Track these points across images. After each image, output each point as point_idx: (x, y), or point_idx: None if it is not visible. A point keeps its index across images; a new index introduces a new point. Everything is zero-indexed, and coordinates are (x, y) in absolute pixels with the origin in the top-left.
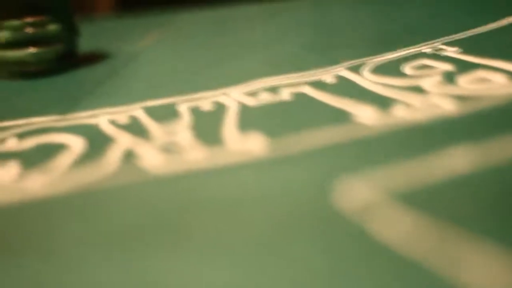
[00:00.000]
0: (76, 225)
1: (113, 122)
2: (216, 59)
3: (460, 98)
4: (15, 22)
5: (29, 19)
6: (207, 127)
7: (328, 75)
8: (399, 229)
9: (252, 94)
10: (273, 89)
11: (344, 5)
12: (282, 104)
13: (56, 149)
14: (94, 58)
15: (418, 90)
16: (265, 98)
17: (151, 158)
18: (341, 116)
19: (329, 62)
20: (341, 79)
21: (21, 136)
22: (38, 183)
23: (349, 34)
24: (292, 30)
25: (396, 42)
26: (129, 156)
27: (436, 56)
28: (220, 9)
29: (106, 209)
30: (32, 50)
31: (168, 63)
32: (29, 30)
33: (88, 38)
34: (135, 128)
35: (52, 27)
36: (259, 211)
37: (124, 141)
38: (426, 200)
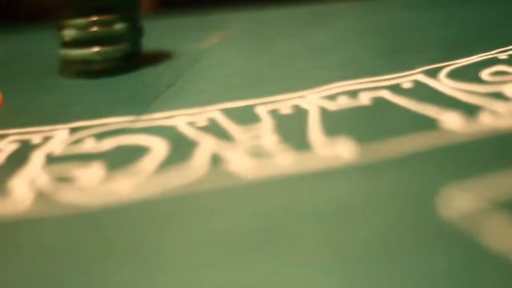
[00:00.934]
0: (171, 231)
1: (192, 124)
2: (283, 62)
3: None
4: (80, 21)
5: (95, 18)
6: (291, 131)
7: (404, 80)
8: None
9: (331, 98)
10: (352, 93)
11: (407, 8)
12: (363, 109)
13: (138, 151)
14: (157, 58)
15: (501, 96)
16: (345, 102)
17: (239, 163)
18: (426, 122)
19: (401, 66)
20: (418, 84)
21: (99, 137)
22: (125, 186)
23: (417, 37)
24: (358, 33)
25: (468, 46)
26: (216, 160)
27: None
28: (270, 10)
29: (200, 214)
30: (97, 49)
31: (235, 64)
32: (95, 28)
33: (148, 38)
34: (216, 131)
35: (119, 26)
36: (358, 219)
37: (208, 144)
38: None
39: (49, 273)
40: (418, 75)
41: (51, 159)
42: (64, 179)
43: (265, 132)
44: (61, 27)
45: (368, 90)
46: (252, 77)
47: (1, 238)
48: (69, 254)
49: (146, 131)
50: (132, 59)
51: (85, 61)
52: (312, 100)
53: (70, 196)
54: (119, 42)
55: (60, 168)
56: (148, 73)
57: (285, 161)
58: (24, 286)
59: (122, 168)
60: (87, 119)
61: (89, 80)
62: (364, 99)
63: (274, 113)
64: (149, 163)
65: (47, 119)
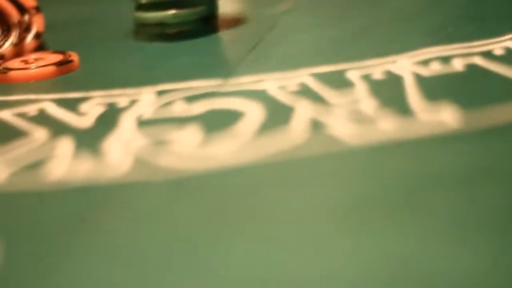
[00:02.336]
0: (277, 198)
1: (283, 88)
2: (367, 28)
3: None
4: None
5: None
6: (388, 96)
7: (495, 46)
8: None
9: (424, 63)
10: (444, 59)
11: None
12: (458, 75)
13: (232, 115)
14: (233, 21)
15: None
16: (438, 68)
17: (341, 128)
18: None
19: (489, 33)
20: (510, 50)
21: (189, 100)
22: (224, 151)
23: (504, 4)
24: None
25: None
26: (316, 125)
27: None
28: None
29: (305, 181)
30: (174, 11)
31: (315, 29)
32: None
33: (223, 1)
34: (310, 95)
35: None
36: (478, 186)
37: (304, 109)
38: None
39: (155, 239)
40: (509, 42)
41: (142, 122)
42: (159, 143)
43: (362, 97)
44: None
45: (460, 56)
46: (337, 42)
47: (101, 202)
48: (174, 221)
49: (236, 95)
50: (209, 22)
51: (161, 24)
52: (404, 66)
53: (167, 160)
54: (196, 4)
55: (154, 132)
56: (225, 37)
57: (388, 126)
58: (128, 252)
59: (218, 132)
60: (172, 82)
61: (165, 43)
62: (458, 65)
63: (366, 78)
64: (245, 127)
65: (129, 81)
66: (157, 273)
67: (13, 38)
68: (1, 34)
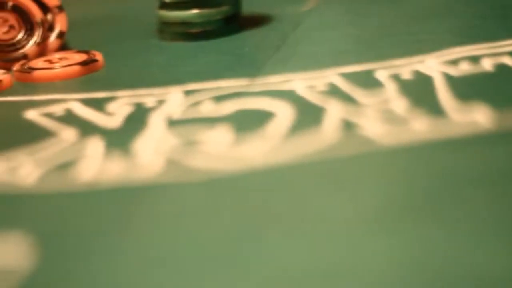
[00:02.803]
0: (313, 198)
1: (312, 88)
2: (391, 27)
3: None
4: None
5: None
6: (419, 96)
7: None
8: None
9: (452, 63)
10: (473, 59)
11: None
12: (487, 75)
13: (262, 115)
14: (256, 21)
15: None
16: (467, 68)
17: (373, 128)
18: None
19: None
20: None
21: (218, 99)
22: (256, 151)
23: None
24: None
25: None
26: (347, 125)
27: None
28: None
29: (340, 181)
30: (197, 10)
31: (340, 28)
32: None
33: (246, 0)
34: (339, 95)
35: None
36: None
37: (335, 109)
38: None
39: (192, 239)
40: None
41: (172, 122)
42: (191, 143)
43: (392, 97)
44: None
45: (489, 56)
46: (363, 41)
47: (134, 203)
48: (210, 221)
49: (265, 95)
50: (232, 21)
51: (184, 23)
52: (433, 65)
53: (199, 161)
54: (219, 4)
55: (185, 132)
56: (249, 36)
57: (421, 126)
58: (165, 253)
59: (249, 132)
60: (199, 82)
61: (188, 43)
62: (487, 65)
63: (395, 78)
64: (276, 128)
65: (155, 81)
66: (195, 273)
67: (36, 37)
68: (25, 33)
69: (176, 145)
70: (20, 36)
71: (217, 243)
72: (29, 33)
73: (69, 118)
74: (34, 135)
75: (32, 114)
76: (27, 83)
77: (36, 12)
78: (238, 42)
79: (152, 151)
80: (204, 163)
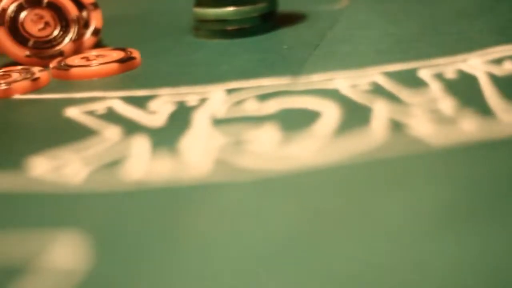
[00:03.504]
0: (372, 199)
1: (355, 87)
2: (432, 25)
3: None
4: None
5: None
6: (465, 96)
7: None
8: None
9: (496, 62)
10: None
11: None
12: None
13: (307, 114)
14: (292, 18)
15: None
16: (511, 67)
17: (422, 128)
18: None
19: None
20: None
21: (261, 98)
22: (304, 151)
23: None
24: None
25: None
26: (396, 125)
27: None
28: None
29: (394, 181)
30: (234, 8)
31: (379, 26)
32: None
33: None
34: (384, 95)
35: None
36: None
37: (381, 108)
38: None
39: (247, 239)
40: None
41: (217, 121)
42: (238, 142)
43: (438, 97)
44: None
45: None
46: (401, 40)
47: (185, 203)
48: (263, 221)
49: (309, 94)
50: (268, 19)
51: (221, 20)
52: (476, 65)
53: (248, 160)
54: (256, 1)
55: (231, 131)
56: (286, 34)
57: (470, 126)
58: (220, 252)
59: (296, 131)
60: (240, 80)
61: (225, 40)
62: None
63: (439, 77)
64: (324, 127)
65: (195, 79)
66: (251, 274)
67: (71, 34)
68: (60, 30)
69: (223, 144)
70: (55, 33)
71: (272, 243)
72: (65, 30)
73: (111, 116)
74: (77, 133)
75: (73, 112)
76: (64, 80)
77: (71, 9)
78: (276, 40)
79: (200, 150)
80: (253, 163)
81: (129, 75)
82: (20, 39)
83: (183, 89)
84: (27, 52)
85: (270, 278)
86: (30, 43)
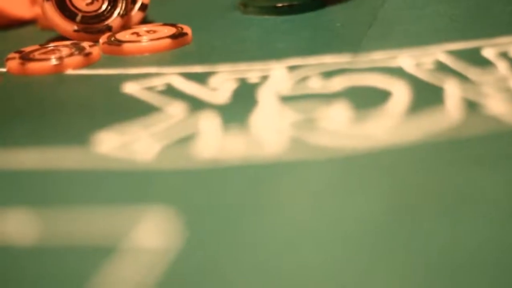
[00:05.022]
0: (453, 176)
1: (420, 66)
2: (481, 5)
3: None
4: None
5: None
6: None
7: None
8: None
9: None
10: None
11: None
12: None
13: (376, 92)
14: None
15: None
16: None
17: (497, 107)
18: None
19: None
20: None
21: (325, 76)
22: (378, 130)
23: None
24: None
25: None
26: (470, 104)
27: None
28: None
29: (475, 160)
30: None
31: (430, 5)
32: None
33: None
34: (451, 73)
35: None
36: None
37: (452, 86)
38: None
39: (331, 218)
40: None
41: (284, 99)
42: (310, 120)
43: (508, 75)
44: None
45: None
46: (458, 19)
47: (263, 181)
48: (349, 200)
49: (373, 71)
50: None
51: None
52: None
53: (322, 138)
54: None
55: (300, 108)
56: (335, 12)
57: None
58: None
59: (368, 109)
60: (298, 57)
61: (275, 17)
62: None
63: (504, 56)
64: (396, 105)
65: (251, 56)
66: (337, 253)
67: (119, 9)
68: (108, 5)
69: (295, 122)
70: (103, 7)
71: (360, 222)
72: (113, 4)
73: (172, 93)
74: (140, 109)
75: (132, 88)
76: (115, 56)
77: None
78: (326, 17)
79: (272, 128)
80: (329, 141)
81: (181, 51)
82: (68, 13)
83: (241, 66)
84: (75, 27)
85: (354, 257)
86: (78, 18)
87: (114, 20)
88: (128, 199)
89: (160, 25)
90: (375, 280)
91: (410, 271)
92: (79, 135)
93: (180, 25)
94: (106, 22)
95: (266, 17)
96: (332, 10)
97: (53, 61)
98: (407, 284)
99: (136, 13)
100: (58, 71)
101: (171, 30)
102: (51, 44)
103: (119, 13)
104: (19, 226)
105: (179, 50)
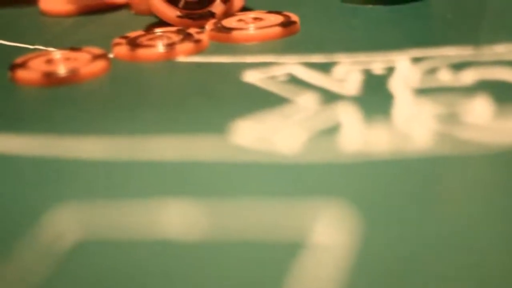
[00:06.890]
0: None
1: None
2: None
3: None
4: None
5: None
6: None
7: None
8: None
9: None
10: None
11: None
12: None
13: (509, 86)
14: None
15: None
16: None
17: None
18: None
19: None
20: None
21: (453, 68)
22: None
23: None
24: None
25: None
26: None
27: None
28: None
29: None
30: None
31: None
32: None
33: None
34: None
35: None
36: None
37: None
38: None
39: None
40: None
41: (418, 91)
42: (452, 114)
43: None
44: None
45: None
46: None
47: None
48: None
49: (502, 65)
50: None
51: None
52: None
53: (471, 133)
54: None
55: (439, 101)
56: (441, 2)
57: None
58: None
59: (505, 104)
60: (418, 49)
61: (377, 7)
62: None
63: None
64: None
65: (368, 46)
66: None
67: None
68: None
69: (438, 115)
70: None
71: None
72: None
73: (297, 83)
74: (268, 99)
75: (253, 77)
76: (223, 43)
77: None
78: (434, 7)
79: (415, 121)
80: (478, 135)
81: (292, 40)
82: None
83: (362, 57)
84: (178, 13)
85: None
86: (181, 3)
87: (216, 5)
88: (293, 193)
89: (265, 12)
90: None
91: None
92: (214, 124)
93: (286, 13)
94: (209, 8)
95: (370, 6)
96: (436, 0)
97: (163, 48)
98: None
99: (237, 0)
100: (168, 57)
101: (279, 18)
102: (157, 30)
103: None
104: (188, 219)
105: (290, 39)
